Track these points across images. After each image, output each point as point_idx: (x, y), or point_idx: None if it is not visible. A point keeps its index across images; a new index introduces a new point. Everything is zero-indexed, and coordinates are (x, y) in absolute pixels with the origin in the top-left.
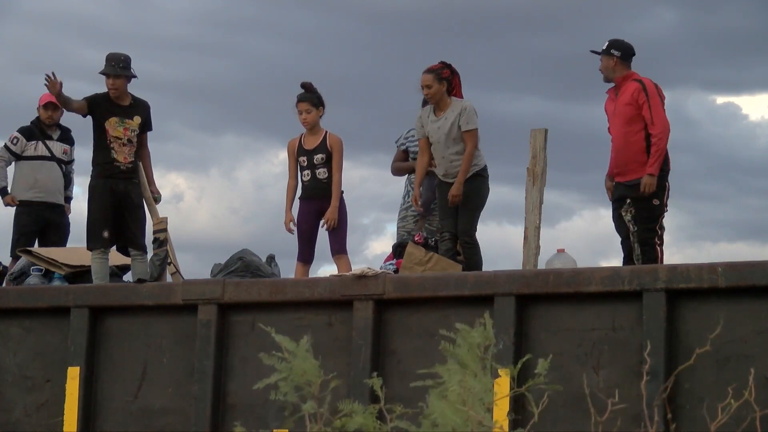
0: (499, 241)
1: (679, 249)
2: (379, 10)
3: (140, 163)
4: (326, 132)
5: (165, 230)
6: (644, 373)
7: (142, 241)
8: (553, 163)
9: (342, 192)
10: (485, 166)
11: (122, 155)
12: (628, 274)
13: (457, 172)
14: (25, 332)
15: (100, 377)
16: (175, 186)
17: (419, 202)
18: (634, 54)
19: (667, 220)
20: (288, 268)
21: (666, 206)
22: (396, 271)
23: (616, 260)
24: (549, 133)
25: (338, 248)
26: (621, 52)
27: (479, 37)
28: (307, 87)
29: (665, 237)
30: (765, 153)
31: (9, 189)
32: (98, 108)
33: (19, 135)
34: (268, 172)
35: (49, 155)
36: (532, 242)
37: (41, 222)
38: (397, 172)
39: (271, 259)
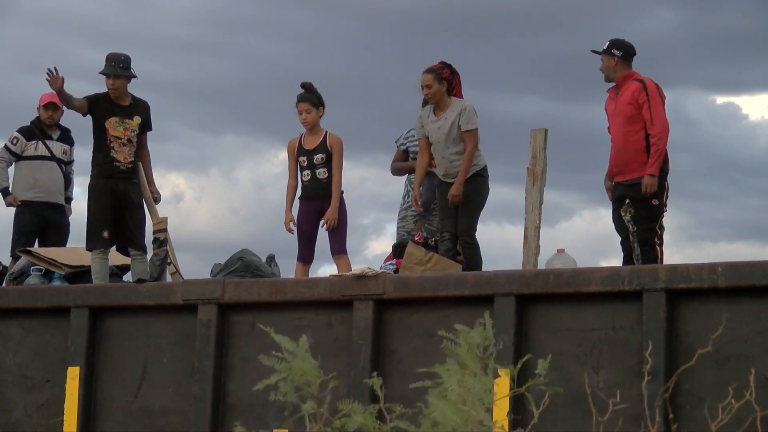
0: (499, 241)
1: (679, 249)
2: (379, 10)
3: (140, 163)
4: (326, 132)
5: (165, 230)
6: (646, 374)
7: (142, 241)
8: (553, 163)
9: (342, 192)
10: (485, 166)
11: (122, 155)
12: (628, 274)
13: (457, 172)
14: (25, 332)
15: (100, 377)
16: (175, 186)
17: (419, 202)
18: (635, 53)
19: (667, 220)
20: (288, 268)
21: (665, 206)
22: (396, 271)
23: (616, 260)
24: (549, 133)
25: (338, 248)
26: (622, 52)
27: (479, 37)
28: (307, 87)
29: (665, 237)
30: (765, 153)
31: (10, 189)
32: (98, 107)
33: (19, 135)
34: (268, 172)
35: (49, 155)
36: (532, 242)
37: (41, 222)
38: (396, 172)
39: (271, 259)
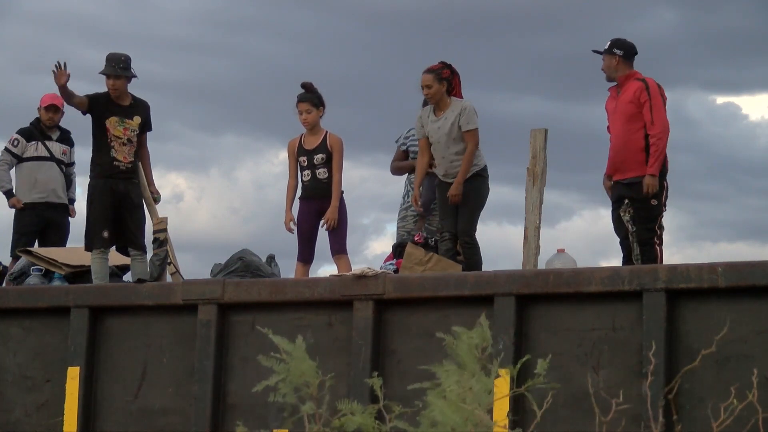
0: (499, 241)
1: (679, 249)
2: (379, 10)
3: (140, 164)
4: (326, 132)
5: (165, 230)
6: (649, 374)
7: (141, 241)
8: (553, 163)
9: (342, 192)
10: (485, 166)
11: (122, 155)
12: (628, 274)
13: (457, 172)
14: (25, 332)
15: (100, 377)
16: (175, 186)
17: (419, 203)
18: (636, 53)
19: (667, 220)
20: (288, 268)
21: (664, 206)
22: (396, 271)
23: (616, 260)
24: (549, 133)
25: (338, 248)
26: (623, 51)
27: (479, 37)
28: (308, 87)
29: (665, 237)
30: (765, 153)
31: (14, 191)
32: (98, 107)
33: (19, 137)
34: (268, 172)
35: (49, 156)
36: (532, 242)
37: (41, 222)
38: (396, 171)
39: (271, 259)
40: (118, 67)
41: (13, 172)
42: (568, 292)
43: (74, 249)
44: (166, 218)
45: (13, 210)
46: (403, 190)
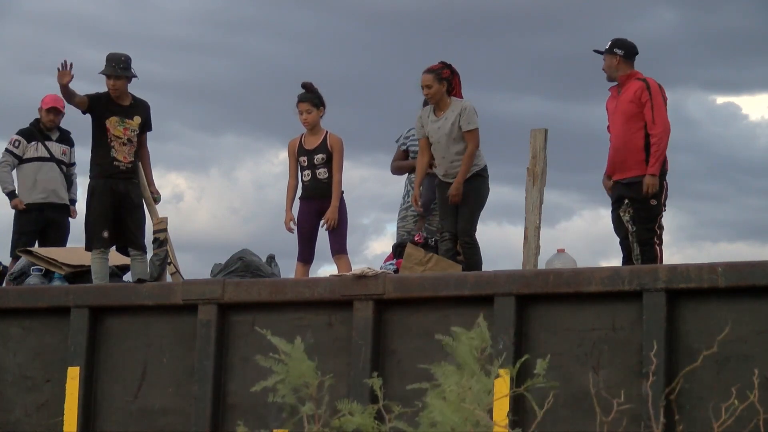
0: (499, 241)
1: (679, 249)
2: (379, 10)
3: (140, 164)
4: (327, 132)
5: (165, 230)
6: (650, 374)
7: (141, 241)
8: (553, 163)
9: (342, 192)
10: (485, 166)
11: (122, 154)
12: (628, 274)
13: (458, 172)
14: (25, 332)
15: (100, 377)
16: (175, 186)
17: (419, 203)
18: (637, 53)
19: (667, 220)
20: (288, 268)
21: (664, 206)
22: (396, 271)
23: (616, 260)
24: (549, 133)
25: (338, 248)
26: (624, 51)
27: (479, 37)
28: (308, 87)
29: (665, 237)
30: (765, 153)
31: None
32: (99, 107)
33: (19, 138)
34: (268, 172)
35: (48, 156)
36: (532, 242)
37: (42, 222)
38: (397, 171)
39: (271, 259)
40: (119, 67)
41: (14, 172)
42: (568, 292)
43: (74, 249)
44: (166, 218)
45: (14, 210)
46: (403, 190)
